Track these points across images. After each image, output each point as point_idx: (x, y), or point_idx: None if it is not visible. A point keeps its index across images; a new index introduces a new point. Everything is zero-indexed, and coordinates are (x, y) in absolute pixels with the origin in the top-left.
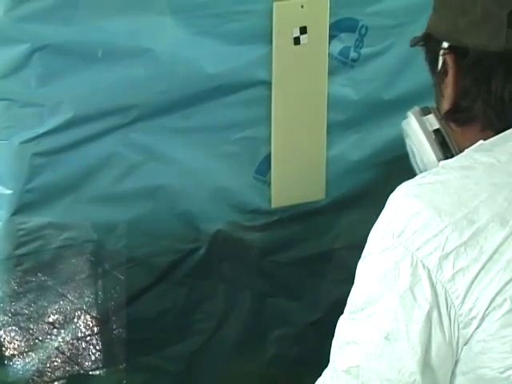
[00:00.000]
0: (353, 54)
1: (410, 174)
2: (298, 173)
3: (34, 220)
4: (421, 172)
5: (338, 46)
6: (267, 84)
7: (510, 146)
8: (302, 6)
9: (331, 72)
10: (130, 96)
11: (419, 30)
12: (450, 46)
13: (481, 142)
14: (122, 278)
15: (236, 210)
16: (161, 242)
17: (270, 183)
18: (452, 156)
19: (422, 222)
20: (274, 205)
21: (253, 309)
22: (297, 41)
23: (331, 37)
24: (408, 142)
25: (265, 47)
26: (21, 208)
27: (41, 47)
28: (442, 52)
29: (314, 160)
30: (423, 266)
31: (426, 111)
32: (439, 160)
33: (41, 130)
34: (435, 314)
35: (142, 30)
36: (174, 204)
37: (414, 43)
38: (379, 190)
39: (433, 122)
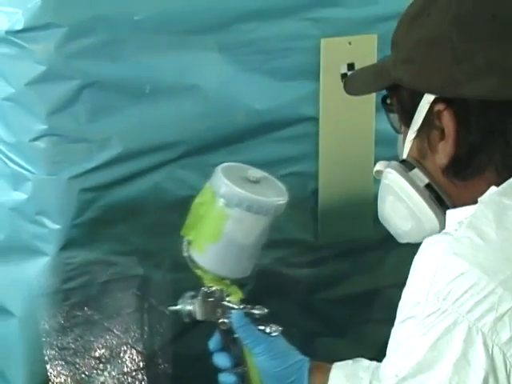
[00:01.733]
0: None
1: None
2: (346, 209)
3: (82, 255)
4: (404, 232)
5: None
6: (315, 120)
7: None
8: (350, 43)
9: (378, 108)
10: (177, 132)
11: None
12: (440, 99)
13: (493, 188)
14: (168, 313)
15: (283, 245)
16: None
17: (317, 219)
18: (447, 209)
19: (469, 282)
20: (321, 241)
21: (300, 347)
22: (344, 77)
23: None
24: (390, 201)
25: (312, 83)
26: (69, 243)
27: (90, 83)
28: (427, 106)
29: (362, 196)
30: (477, 330)
31: (408, 166)
32: (437, 216)
33: (89, 166)
34: (491, 380)
35: (189, 66)
36: None
37: (364, 91)
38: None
39: (420, 176)
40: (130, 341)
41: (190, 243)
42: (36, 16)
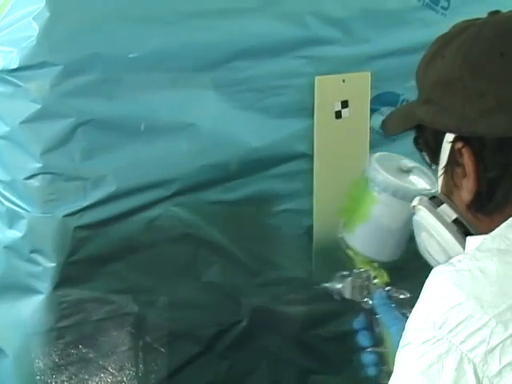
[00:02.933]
0: None
1: None
2: (340, 246)
3: (76, 293)
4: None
5: (379, 120)
6: (309, 157)
7: None
8: (344, 81)
9: (372, 145)
10: (171, 170)
11: None
12: (458, 138)
13: (510, 219)
14: (163, 350)
15: (278, 282)
16: (202, 314)
17: (311, 256)
18: None
19: (465, 314)
20: (316, 278)
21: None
22: (338, 114)
23: (372, 110)
24: (424, 236)
25: (306, 121)
26: (63, 281)
27: (85, 122)
28: (451, 144)
29: None
30: (468, 360)
31: (437, 202)
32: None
33: (84, 204)
34: None
35: (184, 104)
36: (215, 278)
37: (395, 131)
38: (420, 261)
39: (449, 212)
40: (124, 379)
41: (344, 225)
42: (31, 55)
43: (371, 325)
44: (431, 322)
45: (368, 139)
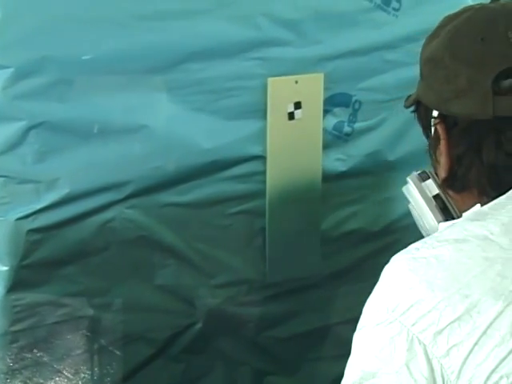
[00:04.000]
0: (346, 129)
1: (405, 245)
2: (293, 247)
3: (30, 296)
4: (427, 235)
5: (332, 121)
6: (262, 158)
7: (503, 214)
8: (297, 82)
9: (325, 146)
10: (125, 172)
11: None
12: (439, 115)
13: (477, 206)
14: (118, 353)
15: (232, 284)
16: (157, 317)
17: (265, 257)
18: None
19: (416, 297)
20: (270, 279)
21: None
22: (291, 116)
23: (325, 112)
24: (410, 207)
25: (259, 122)
26: (17, 284)
27: (37, 124)
28: (432, 121)
29: (310, 233)
30: (419, 341)
31: (424, 176)
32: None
33: (37, 206)
34: None
35: (137, 106)
36: (169, 280)
37: (407, 105)
38: (374, 262)
39: (432, 187)
40: (80, 382)
41: None
42: None
43: None
44: (385, 304)
45: (321, 140)
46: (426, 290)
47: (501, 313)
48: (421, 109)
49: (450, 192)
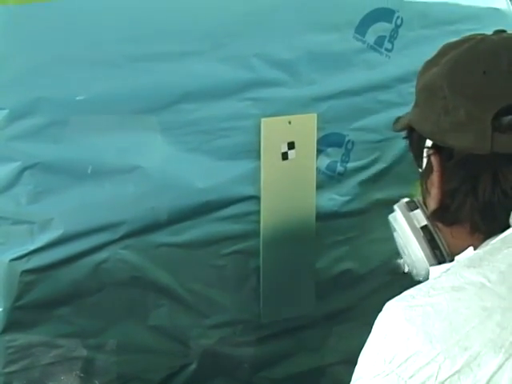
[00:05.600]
0: (339, 169)
1: (399, 287)
2: (288, 287)
3: (24, 337)
4: (409, 267)
5: (325, 161)
6: (256, 199)
7: (499, 261)
8: (290, 122)
9: (318, 186)
10: (119, 212)
11: (403, 144)
12: (433, 145)
13: (471, 250)
14: None
15: (226, 325)
16: (151, 357)
17: (259, 297)
18: (441, 253)
19: (414, 348)
20: (264, 319)
21: None
22: (285, 156)
23: (318, 151)
24: (396, 236)
25: (253, 162)
26: (10, 325)
27: (31, 165)
28: (426, 150)
29: (303, 274)
30: None
31: (412, 206)
32: (427, 258)
33: (31, 247)
34: None
35: (131, 147)
36: (163, 321)
37: (398, 129)
38: (368, 302)
39: (420, 217)
40: None
41: None
42: None
43: None
44: (382, 355)
45: (315, 180)
46: (423, 342)
47: (501, 366)
48: (413, 136)
49: (439, 224)
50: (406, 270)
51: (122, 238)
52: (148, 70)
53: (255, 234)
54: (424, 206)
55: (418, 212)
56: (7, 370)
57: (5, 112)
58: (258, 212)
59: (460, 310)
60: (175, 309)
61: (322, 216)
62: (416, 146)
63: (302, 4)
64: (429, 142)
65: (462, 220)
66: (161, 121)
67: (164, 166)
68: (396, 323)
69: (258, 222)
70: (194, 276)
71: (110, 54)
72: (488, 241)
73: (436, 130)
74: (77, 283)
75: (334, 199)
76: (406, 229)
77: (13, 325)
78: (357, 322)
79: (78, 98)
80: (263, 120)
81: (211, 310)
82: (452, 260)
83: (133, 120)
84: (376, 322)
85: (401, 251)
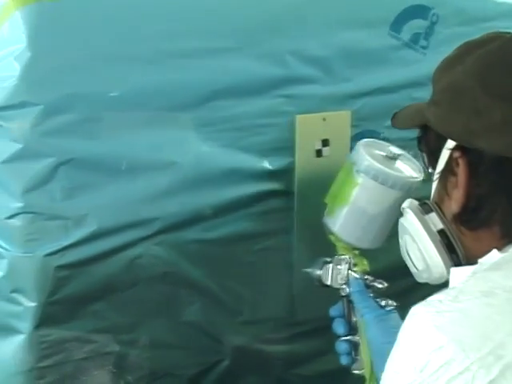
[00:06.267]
0: None
1: (427, 288)
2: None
3: (57, 332)
4: (418, 272)
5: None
6: (290, 195)
7: None
8: (324, 119)
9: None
10: (152, 208)
11: None
12: (458, 147)
13: (495, 252)
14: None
15: (259, 322)
16: (184, 353)
17: (292, 294)
18: (457, 257)
19: (446, 357)
20: (297, 317)
21: None
22: (319, 153)
23: (352, 149)
24: (407, 239)
25: (287, 159)
26: (44, 320)
27: (66, 161)
28: (449, 151)
29: None
30: None
31: (426, 208)
32: (445, 262)
33: (65, 243)
34: None
35: (165, 143)
36: (196, 317)
37: (404, 126)
38: (400, 301)
39: (436, 221)
40: None
41: (327, 210)
42: (12, 94)
43: (348, 313)
44: (412, 364)
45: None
46: (456, 350)
47: None
48: (429, 135)
49: (462, 228)
50: (329, 282)
51: (155, 234)
52: (182, 66)
53: (288, 230)
54: (438, 207)
55: (433, 215)
56: (40, 364)
57: (40, 108)
58: (292, 208)
59: (492, 316)
60: (208, 305)
61: None
62: (433, 146)
63: (336, 1)
64: (451, 143)
65: (491, 224)
66: (195, 117)
67: (198, 163)
68: (425, 330)
69: (292, 218)
70: (227, 272)
71: (144, 50)
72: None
73: (464, 131)
74: (110, 279)
75: None
76: (421, 233)
77: (46, 320)
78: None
79: (111, 95)
80: (298, 117)
81: (244, 306)
82: (470, 263)
83: (167, 116)
84: (403, 327)
85: (410, 255)
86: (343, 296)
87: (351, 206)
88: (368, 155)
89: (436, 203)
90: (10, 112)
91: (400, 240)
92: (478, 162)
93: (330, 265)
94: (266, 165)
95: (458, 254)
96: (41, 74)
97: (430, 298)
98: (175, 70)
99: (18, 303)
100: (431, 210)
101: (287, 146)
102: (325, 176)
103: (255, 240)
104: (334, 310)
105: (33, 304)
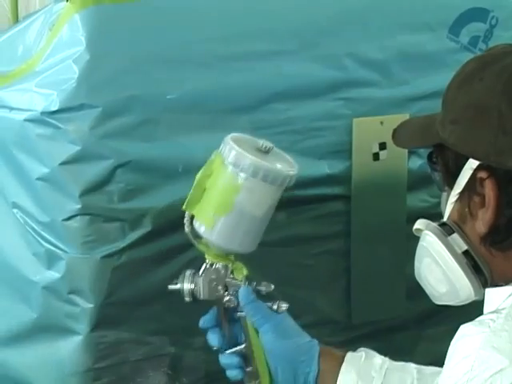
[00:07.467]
0: None
1: None
2: (378, 288)
3: (114, 334)
4: (439, 294)
5: (417, 162)
6: (347, 198)
7: None
8: (382, 123)
9: (410, 187)
10: None
11: None
12: (483, 166)
13: None
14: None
15: (316, 325)
16: None
17: (349, 298)
18: (485, 279)
19: (509, 380)
20: (354, 320)
21: None
22: (376, 156)
23: (410, 152)
24: (426, 263)
25: (344, 162)
26: (101, 322)
27: (123, 163)
28: (470, 171)
29: (394, 274)
30: None
31: (448, 230)
32: (472, 283)
33: (122, 244)
34: None
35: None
36: None
37: (413, 145)
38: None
39: (459, 242)
40: None
41: (194, 217)
42: (71, 97)
43: (223, 322)
44: None
45: (406, 181)
46: None
47: None
48: (447, 155)
49: (492, 249)
50: (204, 296)
51: None
52: (239, 69)
53: (345, 234)
54: (460, 228)
55: (456, 236)
56: (97, 365)
57: (98, 110)
58: (349, 212)
59: None
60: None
61: (414, 217)
62: (452, 166)
63: (394, 3)
64: (473, 163)
65: None
66: (252, 120)
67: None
68: (483, 352)
69: (349, 222)
70: (284, 275)
71: (200, 53)
72: None
73: (492, 151)
74: (167, 280)
75: (426, 200)
76: (446, 255)
77: (103, 321)
78: (446, 325)
79: (168, 97)
80: (355, 120)
81: (301, 309)
82: (503, 283)
83: (223, 119)
84: (455, 349)
85: (430, 278)
86: (225, 307)
87: (233, 212)
88: (242, 150)
89: (456, 223)
90: (68, 114)
91: (416, 263)
92: (508, 182)
93: (202, 276)
94: (324, 168)
95: (484, 274)
96: (99, 77)
97: (480, 318)
98: (231, 73)
99: (76, 304)
100: (452, 231)
101: (344, 150)
102: (381, 180)
103: (312, 243)
104: (205, 322)
105: (90, 305)
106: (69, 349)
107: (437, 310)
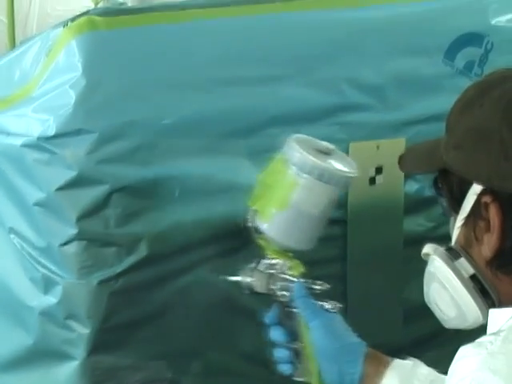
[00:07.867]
0: (428, 193)
1: None
2: (375, 312)
3: (110, 359)
4: (448, 319)
5: (413, 186)
6: (343, 223)
7: None
8: (378, 147)
9: (406, 210)
10: (205, 235)
11: None
12: (486, 191)
13: None
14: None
15: None
16: (237, 382)
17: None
18: (493, 302)
19: None
20: None
21: None
22: (372, 181)
23: (407, 176)
24: (434, 287)
25: None
26: (97, 347)
27: (120, 188)
28: (475, 196)
29: (391, 299)
30: None
31: (454, 254)
32: (480, 307)
33: (118, 269)
34: None
35: (218, 170)
36: (250, 344)
37: (414, 170)
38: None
39: (466, 266)
40: None
41: (256, 213)
42: (67, 122)
43: (285, 319)
44: None
45: (402, 205)
46: None
47: None
48: (451, 179)
49: (498, 273)
50: (262, 289)
51: (208, 259)
52: (236, 94)
53: (342, 258)
54: (466, 253)
55: (463, 260)
56: None
57: (95, 135)
58: (345, 236)
59: None
60: (262, 333)
61: (410, 241)
62: (456, 191)
63: (390, 29)
64: (477, 188)
65: None
66: (249, 144)
67: (252, 190)
68: (480, 374)
69: (345, 246)
70: None
71: (197, 78)
72: None
73: (495, 175)
74: (163, 305)
75: (422, 225)
76: (453, 280)
77: (100, 346)
78: (444, 349)
79: (164, 122)
80: (351, 144)
81: None
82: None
83: (220, 143)
84: (454, 370)
85: (439, 303)
86: (279, 301)
87: (290, 208)
88: (302, 150)
89: (462, 247)
90: (64, 139)
91: (425, 287)
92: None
93: (260, 270)
94: None
95: (492, 297)
96: (95, 102)
97: (479, 340)
98: (228, 98)
99: (72, 330)
100: (459, 256)
101: None
102: (378, 204)
103: (308, 267)
104: (269, 318)
105: (86, 330)
106: (65, 374)
107: (435, 333)
